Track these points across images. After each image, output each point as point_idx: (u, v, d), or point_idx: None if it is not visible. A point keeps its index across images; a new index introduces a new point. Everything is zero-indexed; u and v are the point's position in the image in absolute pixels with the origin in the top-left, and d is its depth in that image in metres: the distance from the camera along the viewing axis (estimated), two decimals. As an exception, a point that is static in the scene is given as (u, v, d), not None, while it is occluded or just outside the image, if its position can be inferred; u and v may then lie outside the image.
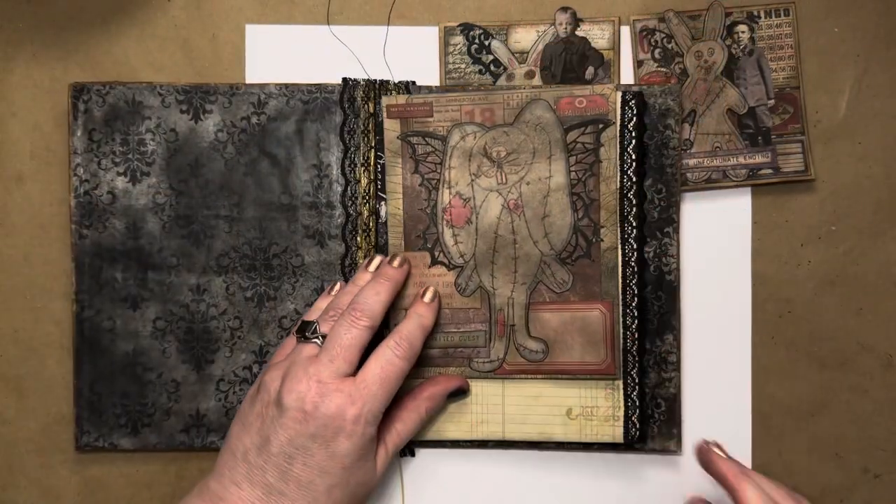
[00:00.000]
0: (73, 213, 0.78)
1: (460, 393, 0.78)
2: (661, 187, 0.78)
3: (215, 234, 0.79)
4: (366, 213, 0.78)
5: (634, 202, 0.76)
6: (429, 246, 0.78)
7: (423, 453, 0.80)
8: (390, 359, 0.71)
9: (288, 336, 0.76)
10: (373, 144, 0.78)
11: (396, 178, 0.78)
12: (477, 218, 0.77)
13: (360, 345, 0.71)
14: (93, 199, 0.78)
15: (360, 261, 0.79)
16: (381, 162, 0.78)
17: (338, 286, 0.78)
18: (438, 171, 0.78)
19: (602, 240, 0.76)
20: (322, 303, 0.77)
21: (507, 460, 0.80)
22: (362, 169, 0.78)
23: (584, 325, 0.77)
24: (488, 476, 0.80)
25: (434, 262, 0.78)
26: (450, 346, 0.78)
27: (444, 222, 0.78)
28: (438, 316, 0.77)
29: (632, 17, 0.80)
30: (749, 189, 0.79)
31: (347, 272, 0.79)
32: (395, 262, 0.76)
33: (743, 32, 0.79)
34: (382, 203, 0.78)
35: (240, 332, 0.79)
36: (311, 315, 0.75)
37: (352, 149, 0.78)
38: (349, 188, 0.78)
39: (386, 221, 0.78)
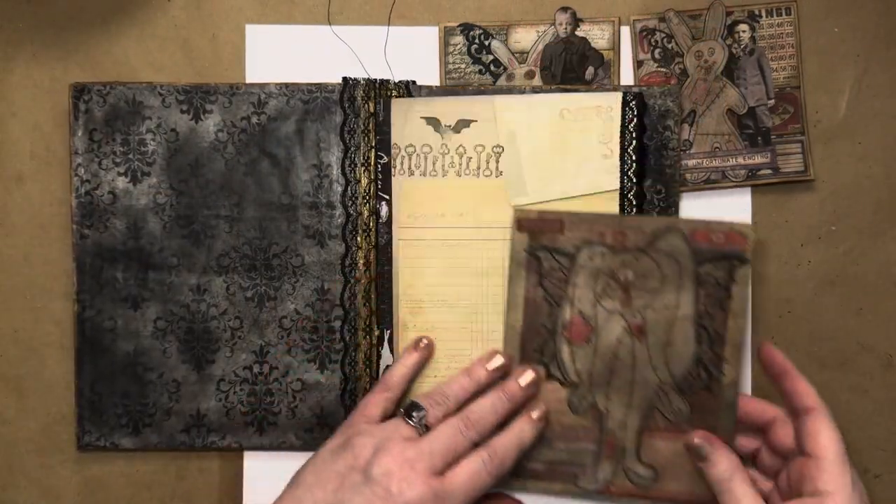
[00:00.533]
0: (73, 214, 0.78)
1: None
2: (660, 188, 0.78)
3: (216, 234, 0.78)
4: (366, 213, 0.78)
5: (634, 203, 0.76)
6: (545, 360, 0.77)
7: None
8: (479, 472, 0.70)
9: (371, 394, 0.76)
10: (373, 144, 0.78)
11: (519, 289, 0.77)
12: (597, 338, 0.76)
13: (460, 452, 0.71)
14: (94, 199, 0.78)
15: (360, 261, 0.78)
16: (382, 162, 0.78)
17: (424, 341, 0.78)
18: (563, 287, 0.76)
19: (724, 374, 0.74)
20: (409, 359, 0.77)
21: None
22: (362, 169, 0.78)
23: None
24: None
25: (549, 376, 0.76)
26: (556, 461, 0.77)
27: (564, 339, 0.76)
28: (545, 429, 0.76)
29: (632, 17, 0.80)
30: (749, 189, 0.79)
31: (348, 272, 0.79)
32: (525, 382, 0.75)
33: (744, 32, 0.79)
34: (383, 203, 0.78)
35: (240, 332, 0.79)
36: (399, 372, 0.76)
37: (352, 148, 0.78)
38: (349, 188, 0.78)
39: (387, 222, 0.78)
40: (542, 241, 0.76)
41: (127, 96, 0.78)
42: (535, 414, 0.75)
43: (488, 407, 0.73)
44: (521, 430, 0.74)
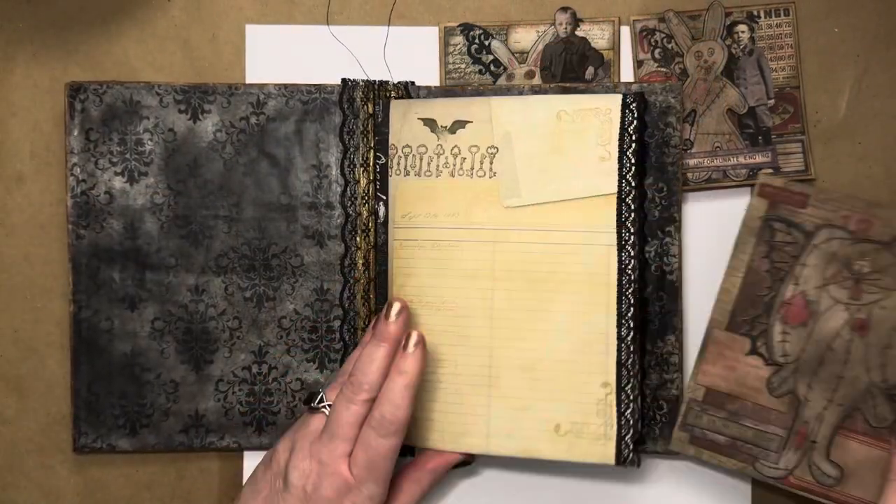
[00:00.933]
0: (69, 213, 0.78)
1: (463, 464, 0.78)
2: (662, 186, 0.77)
3: (214, 235, 0.78)
4: (365, 214, 0.78)
5: (633, 206, 0.75)
6: (753, 334, 0.75)
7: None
8: (374, 444, 0.68)
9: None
10: (372, 145, 0.78)
11: (744, 255, 0.75)
12: (814, 324, 0.74)
13: (359, 420, 0.69)
14: (90, 199, 0.78)
15: (359, 261, 0.78)
16: (380, 163, 0.78)
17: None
18: (791, 264, 0.74)
19: None
20: (348, 365, 0.75)
21: (507, 460, 0.79)
22: (361, 169, 0.78)
23: (888, 467, 0.71)
24: (490, 476, 0.80)
25: (752, 351, 0.74)
26: (740, 438, 0.74)
27: (779, 316, 0.74)
28: (734, 404, 0.74)
29: (632, 17, 0.79)
30: (749, 189, 0.79)
31: (347, 272, 0.78)
32: (391, 316, 0.72)
33: (743, 32, 0.79)
34: (381, 203, 0.78)
35: (239, 333, 0.79)
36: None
37: (351, 149, 0.78)
38: (348, 188, 0.78)
39: (385, 222, 0.78)
40: (780, 212, 0.74)
41: (124, 96, 0.78)
42: (409, 346, 0.71)
43: (365, 360, 0.70)
44: (402, 373, 0.70)
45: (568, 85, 0.78)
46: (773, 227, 0.74)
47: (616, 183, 0.75)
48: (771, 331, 0.74)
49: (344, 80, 0.78)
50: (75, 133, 0.78)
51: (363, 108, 0.78)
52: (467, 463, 0.78)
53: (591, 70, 0.79)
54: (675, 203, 0.77)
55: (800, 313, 0.74)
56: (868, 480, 0.72)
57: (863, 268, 0.73)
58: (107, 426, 0.78)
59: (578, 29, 0.79)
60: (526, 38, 0.79)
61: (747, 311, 0.75)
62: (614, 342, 0.74)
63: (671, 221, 0.77)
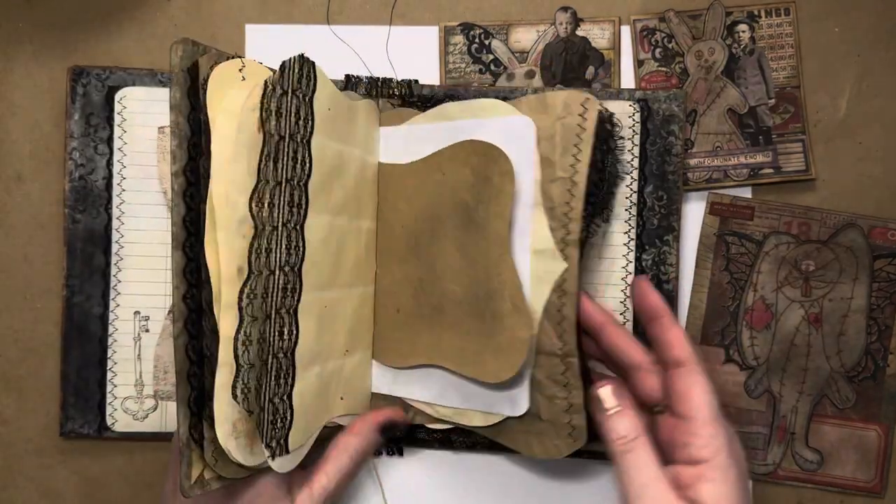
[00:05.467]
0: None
1: (393, 427, 0.70)
2: (662, 194, 0.74)
3: (209, 226, 0.75)
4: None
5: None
6: (725, 343, 0.77)
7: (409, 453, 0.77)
8: None
9: None
10: (372, 141, 0.75)
11: (706, 272, 0.77)
12: (776, 324, 0.77)
13: None
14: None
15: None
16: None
17: None
18: (747, 273, 0.77)
19: (888, 366, 0.76)
20: None
21: (493, 459, 0.77)
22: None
23: (860, 443, 0.76)
24: (474, 475, 0.77)
25: (728, 359, 0.77)
26: None
27: (744, 323, 0.77)
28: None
29: (632, 16, 0.77)
30: (750, 189, 0.77)
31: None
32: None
33: (743, 32, 0.76)
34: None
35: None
36: None
37: (351, 145, 0.75)
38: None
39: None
40: (731, 226, 0.77)
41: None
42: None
43: None
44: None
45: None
46: (728, 242, 0.77)
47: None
48: (740, 337, 0.77)
49: (347, 77, 0.75)
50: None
51: (365, 104, 0.75)
52: (395, 425, 0.70)
53: (591, 70, 0.77)
54: (674, 212, 0.74)
55: (762, 317, 0.77)
56: (845, 459, 0.76)
57: (809, 266, 0.76)
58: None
59: (579, 28, 0.77)
60: (526, 37, 0.77)
61: (717, 323, 0.77)
62: None
63: (670, 230, 0.74)
